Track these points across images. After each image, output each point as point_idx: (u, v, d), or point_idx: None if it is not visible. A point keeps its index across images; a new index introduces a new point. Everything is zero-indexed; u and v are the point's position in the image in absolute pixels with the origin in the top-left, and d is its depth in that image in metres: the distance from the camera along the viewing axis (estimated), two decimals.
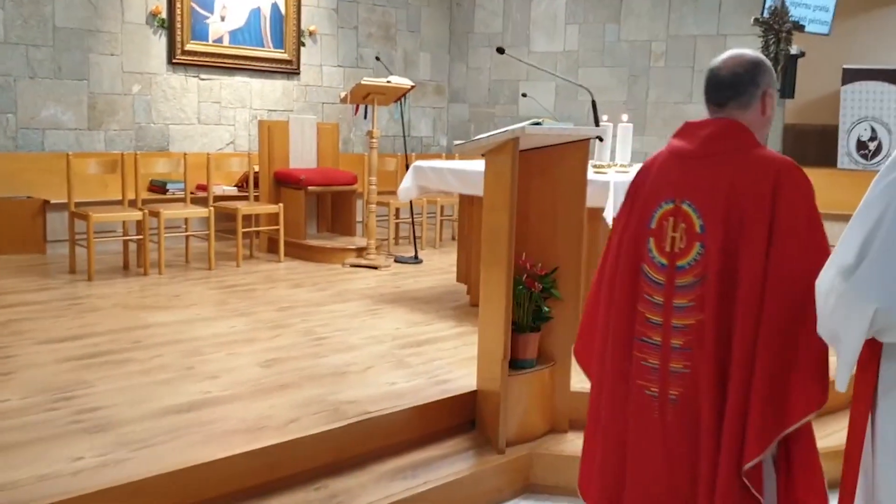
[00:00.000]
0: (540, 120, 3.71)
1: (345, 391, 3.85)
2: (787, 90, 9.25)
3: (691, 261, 2.28)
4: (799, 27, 6.47)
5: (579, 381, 4.06)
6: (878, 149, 11.71)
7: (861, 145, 11.55)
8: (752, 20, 6.34)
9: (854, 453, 1.87)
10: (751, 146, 2.31)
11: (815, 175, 7.63)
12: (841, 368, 1.79)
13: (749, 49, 2.44)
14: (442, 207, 8.29)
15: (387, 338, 4.79)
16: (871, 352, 1.79)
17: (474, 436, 3.82)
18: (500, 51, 5.08)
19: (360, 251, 7.16)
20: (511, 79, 10.12)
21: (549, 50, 9.84)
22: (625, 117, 5.16)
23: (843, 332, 1.75)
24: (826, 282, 1.77)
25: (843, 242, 1.74)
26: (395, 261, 7.23)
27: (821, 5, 9.03)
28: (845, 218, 6.62)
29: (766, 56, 6.47)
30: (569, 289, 3.89)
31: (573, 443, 3.87)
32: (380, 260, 7.05)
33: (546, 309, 3.82)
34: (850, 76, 11.61)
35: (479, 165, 5.46)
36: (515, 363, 3.78)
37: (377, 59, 8.06)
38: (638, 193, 2.47)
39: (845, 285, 1.69)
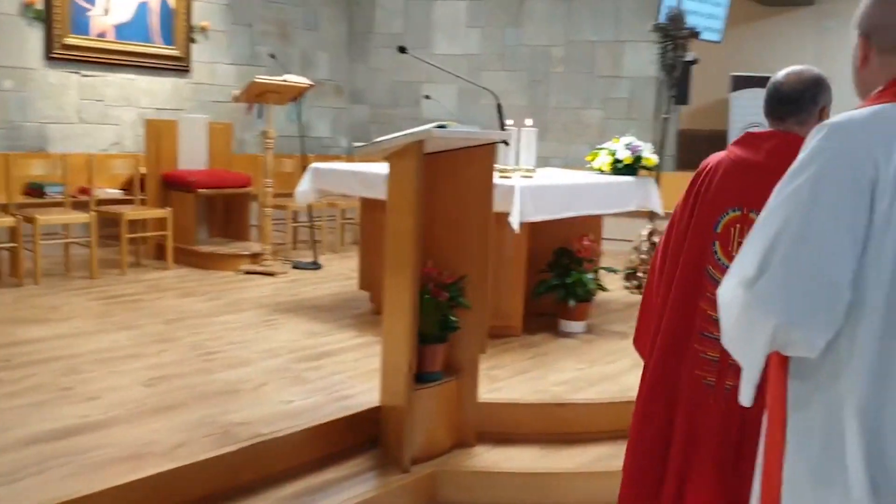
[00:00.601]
0: (445, 122, 3.54)
1: (236, 411, 3.59)
2: (682, 97, 9.40)
3: None
4: (695, 34, 6.53)
5: (486, 392, 3.92)
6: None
7: None
8: (651, 25, 6.36)
9: (773, 472, 1.74)
10: None
11: None
12: (744, 382, 1.73)
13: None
14: (343, 211, 8.04)
15: (283, 351, 4.53)
16: (781, 367, 1.71)
17: (377, 455, 3.62)
18: (402, 50, 4.90)
19: (256, 257, 6.84)
20: (413, 80, 9.95)
21: (450, 52, 9.72)
22: (529, 121, 5.05)
23: (745, 345, 1.69)
24: (728, 292, 1.69)
25: (745, 251, 1.66)
26: (293, 267, 6.94)
27: (712, 13, 9.21)
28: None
29: (664, 62, 6.51)
30: (477, 297, 3.73)
31: (481, 457, 3.72)
32: (276, 266, 6.75)
33: (453, 319, 3.65)
34: (738, 83, 11.96)
35: (381, 168, 5.26)
36: (421, 376, 3.60)
37: (272, 56, 7.75)
38: (701, 197, 2.57)
39: (746, 297, 1.62)
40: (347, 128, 10.33)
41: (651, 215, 6.53)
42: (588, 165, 5.81)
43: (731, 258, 2.48)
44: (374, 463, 3.55)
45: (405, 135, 3.38)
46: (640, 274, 6.34)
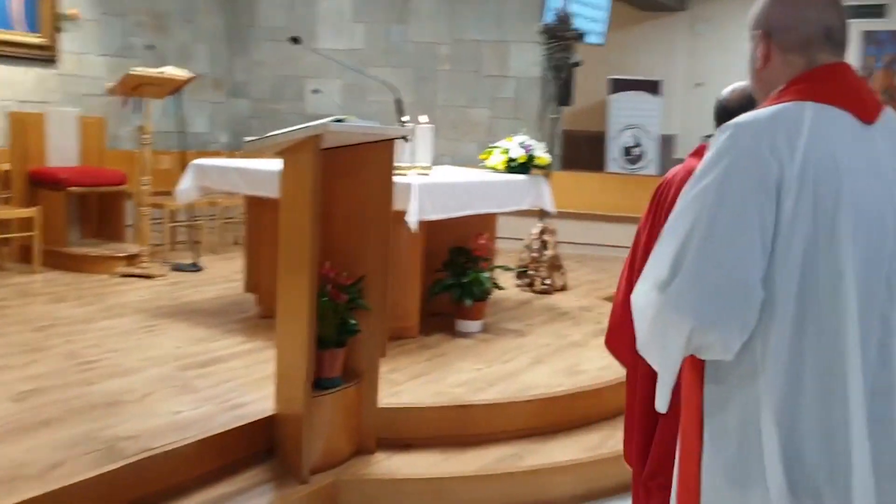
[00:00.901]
0: (342, 117, 3.39)
1: (121, 424, 3.33)
2: (565, 98, 9.54)
3: None
4: (581, 35, 6.62)
5: (386, 396, 3.80)
6: (641, 155, 12.47)
7: (626, 151, 12.22)
8: (540, 26, 6.41)
9: (690, 477, 1.72)
10: None
11: (586, 179, 7.88)
12: (660, 388, 1.71)
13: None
14: (223, 209, 7.73)
15: (168, 358, 4.27)
16: (695, 371, 1.70)
17: (274, 465, 3.44)
18: (296, 40, 4.72)
19: (132, 259, 6.47)
20: (297, 75, 9.70)
21: (335, 47, 9.51)
22: (424, 118, 4.96)
23: (660, 350, 1.67)
24: (642, 296, 1.67)
25: (657, 254, 1.65)
26: (173, 269, 6.60)
27: (595, 17, 9.39)
28: (615, 219, 6.81)
29: (551, 64, 6.56)
30: (376, 299, 3.61)
31: (382, 464, 3.61)
32: (155, 268, 6.41)
33: (353, 322, 3.52)
34: (616, 86, 12.28)
35: (268, 165, 5.05)
36: (319, 382, 3.45)
37: (150, 47, 7.35)
38: (664, 208, 2.60)
39: (660, 300, 1.60)
40: (227, 123, 9.97)
41: (541, 214, 6.57)
42: (482, 164, 5.78)
43: None
44: (270, 474, 3.38)
45: (301, 129, 3.23)
46: (531, 272, 6.37)
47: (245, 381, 3.99)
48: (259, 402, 3.69)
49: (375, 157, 3.61)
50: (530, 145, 5.58)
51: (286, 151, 3.38)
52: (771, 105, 1.65)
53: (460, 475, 3.60)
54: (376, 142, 3.60)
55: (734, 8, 12.10)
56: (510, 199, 5.36)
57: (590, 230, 8.91)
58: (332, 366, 3.51)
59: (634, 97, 12.39)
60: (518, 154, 5.49)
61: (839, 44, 1.70)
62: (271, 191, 4.82)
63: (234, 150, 8.58)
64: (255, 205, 5.23)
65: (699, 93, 12.45)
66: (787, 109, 1.62)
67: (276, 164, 4.95)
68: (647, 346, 1.70)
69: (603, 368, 4.59)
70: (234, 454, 3.40)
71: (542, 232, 6.50)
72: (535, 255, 6.41)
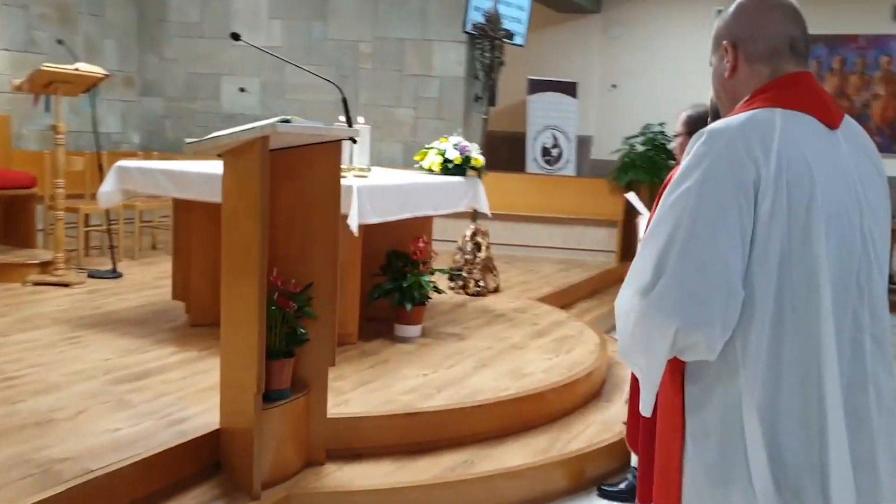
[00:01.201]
0: (289, 117, 3.26)
1: (55, 445, 3.11)
2: (490, 98, 9.55)
3: None
4: (510, 35, 6.60)
5: (333, 406, 3.68)
6: (560, 156, 12.61)
7: (545, 152, 12.35)
8: (471, 25, 6.36)
9: (672, 478, 1.75)
10: None
11: (507, 179, 7.86)
12: (644, 392, 1.73)
13: None
14: (141, 213, 7.41)
15: (97, 372, 4.03)
16: (675, 373, 1.73)
17: (222, 481, 3.29)
18: (235, 37, 4.52)
19: (46, 266, 6.12)
20: (212, 72, 9.40)
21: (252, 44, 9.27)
22: (361, 119, 4.84)
23: (645, 353, 1.69)
24: (625, 301, 1.70)
25: (639, 259, 1.68)
26: (90, 276, 6.27)
27: (517, 18, 9.41)
28: (537, 219, 6.82)
29: (482, 63, 6.53)
30: (324, 306, 3.48)
31: (333, 476, 3.49)
32: (71, 276, 6.07)
33: (303, 331, 3.39)
34: (535, 87, 12.37)
35: (197, 166, 4.85)
36: (268, 394, 3.30)
37: (60, 42, 6.97)
38: None
39: (644, 304, 1.63)
40: (139, 122, 9.58)
41: (474, 215, 6.53)
42: (417, 165, 5.69)
43: None
44: (219, 491, 3.22)
45: (248, 129, 3.08)
46: (464, 274, 6.32)
47: (183, 394, 3.80)
48: (201, 415, 3.52)
49: (321, 158, 3.48)
50: (466, 146, 5.53)
51: (230, 153, 3.23)
52: (741, 112, 1.70)
53: (414, 484, 3.51)
54: (322, 143, 3.47)
55: (646, 12, 12.37)
56: (447, 201, 5.29)
57: (514, 231, 8.93)
58: (281, 377, 3.37)
59: (552, 98, 12.52)
60: (454, 155, 5.43)
61: (802, 54, 1.76)
62: (202, 194, 4.64)
63: (150, 152, 8.22)
64: (183, 209, 5.01)
65: (614, 94, 12.68)
66: (758, 115, 1.66)
67: (207, 167, 4.80)
68: (631, 350, 1.71)
69: (546, 371, 4.58)
70: (180, 472, 3.23)
71: (475, 234, 6.47)
72: (468, 257, 6.36)
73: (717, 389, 1.65)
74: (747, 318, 1.59)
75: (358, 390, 4.04)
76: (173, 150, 8.72)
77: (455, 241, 6.58)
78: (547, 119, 12.52)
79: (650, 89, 12.10)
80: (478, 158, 5.58)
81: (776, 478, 1.58)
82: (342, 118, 4.55)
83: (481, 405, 4.00)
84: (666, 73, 12.11)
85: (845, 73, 11.71)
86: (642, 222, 3.97)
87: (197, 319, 4.98)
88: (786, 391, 1.60)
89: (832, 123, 1.71)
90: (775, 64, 1.74)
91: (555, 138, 12.44)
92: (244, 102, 9.45)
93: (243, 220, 3.17)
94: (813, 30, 1.87)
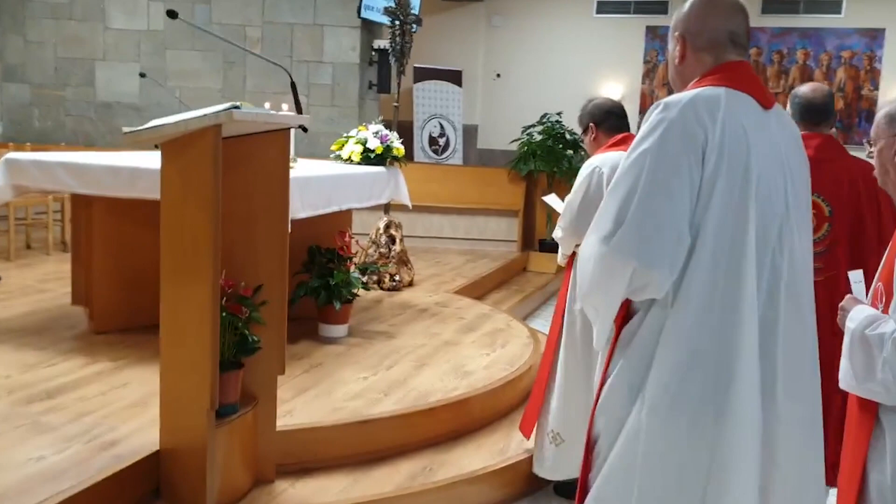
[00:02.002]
0: (238, 103, 2.94)
1: None
2: (385, 85, 9.31)
3: (823, 235, 3.20)
4: (419, 20, 6.40)
5: (279, 417, 3.39)
6: (447, 144, 12.51)
7: (432, 141, 12.22)
8: (383, 9, 6.12)
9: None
10: (847, 153, 3.29)
11: (403, 170, 7.55)
12: (600, 328, 2.04)
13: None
14: (16, 209, 6.73)
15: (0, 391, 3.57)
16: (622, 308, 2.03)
17: None
18: (172, 14, 4.09)
19: None
20: (84, 57, 8.71)
21: (129, 27, 8.64)
22: (285, 106, 4.51)
23: (603, 293, 1.98)
24: (588, 248, 1.98)
25: (602, 212, 1.95)
26: None
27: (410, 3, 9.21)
28: (436, 210, 6.62)
29: (393, 48, 6.29)
30: (274, 310, 3.19)
31: (286, 494, 3.22)
32: None
33: (255, 339, 3.08)
34: (420, 75, 12.20)
35: (99, 159, 4.39)
36: (217, 409, 2.98)
37: None
38: None
39: (605, 248, 1.90)
40: (3, 110, 8.75)
41: (386, 207, 6.30)
42: (334, 155, 5.39)
43: None
44: None
45: (200, 117, 2.75)
46: (380, 268, 6.08)
47: (108, 412, 3.41)
48: (134, 435, 3.17)
49: (268, 148, 3.17)
50: (386, 135, 5.29)
51: (173, 143, 2.88)
52: (691, 90, 1.99)
53: (376, 498, 3.27)
54: (269, 132, 3.17)
55: (528, 3, 12.43)
56: (372, 192, 5.04)
57: (415, 222, 8.71)
58: (230, 390, 3.06)
59: (438, 87, 12.39)
60: (375, 145, 5.18)
61: (742, 46, 2.07)
62: (110, 188, 4.20)
63: (20, 144, 7.50)
64: (83, 205, 4.54)
65: (499, 83, 12.69)
66: (705, 90, 1.97)
67: (112, 159, 4.36)
68: (591, 291, 2.01)
69: (487, 367, 4.43)
70: (121, 500, 2.86)
71: (389, 226, 6.23)
72: (382, 250, 6.13)
73: (645, 319, 1.96)
74: (689, 261, 1.89)
75: (299, 399, 3.76)
76: (43, 141, 8.03)
77: (367, 234, 6.32)
78: (433, 107, 12.39)
79: (535, 79, 12.17)
80: (399, 148, 5.35)
81: (673, 397, 1.89)
82: (283, 105, 4.21)
83: (434, 408, 3.80)
84: (550, 63, 12.22)
85: None
86: (553, 202, 3.93)
87: (101, 326, 4.52)
88: (713, 322, 1.88)
89: (767, 104, 2.03)
90: (717, 54, 2.04)
91: (441, 127, 12.33)
92: (122, 90, 8.81)
93: (191, 217, 2.84)
94: None
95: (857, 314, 2.11)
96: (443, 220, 8.66)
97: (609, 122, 3.55)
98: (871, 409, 2.06)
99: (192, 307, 2.85)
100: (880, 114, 2.27)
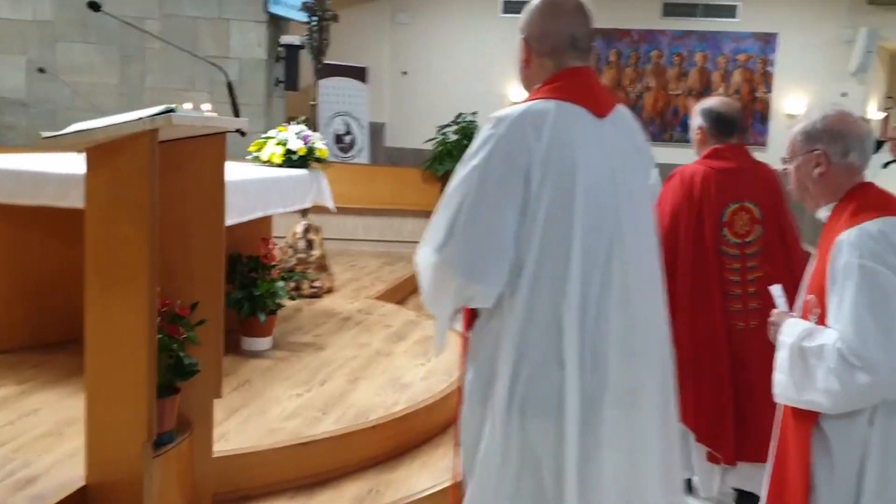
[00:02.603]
0: (173, 106, 2.68)
1: None
2: (292, 82, 9.01)
3: (756, 237, 3.56)
4: (336, 17, 6.17)
5: (216, 443, 3.15)
6: (353, 143, 12.25)
7: (338, 139, 11.94)
8: (300, 4, 5.87)
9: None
10: (755, 159, 3.73)
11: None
12: (437, 332, 2.16)
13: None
14: None
15: None
16: (466, 317, 2.18)
17: None
18: (94, 7, 3.73)
19: None
20: None
21: (14, 17, 8.05)
22: (207, 106, 4.21)
23: (437, 302, 2.10)
24: (423, 257, 2.07)
25: (435, 225, 2.04)
26: None
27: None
28: (349, 211, 6.38)
29: (311, 45, 6.05)
30: (209, 328, 2.93)
31: None
32: None
33: (193, 361, 2.82)
34: (325, 72, 11.90)
35: (10, 163, 4.00)
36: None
37: None
38: (698, 202, 3.56)
39: (438, 259, 2.01)
40: None
41: (304, 211, 6.04)
42: (252, 157, 5.11)
43: (738, 236, 3.56)
44: None
45: (134, 121, 2.48)
46: (306, 277, 5.82)
47: (19, 445, 3.08)
48: (54, 470, 2.88)
49: (204, 154, 2.93)
50: (308, 136, 5.05)
51: (101, 148, 2.59)
52: (525, 102, 2.07)
53: None
54: (204, 136, 2.92)
55: (433, 1, 12.32)
56: (296, 196, 4.80)
57: (326, 224, 8.45)
58: (168, 417, 2.80)
59: (343, 84, 12.11)
60: (297, 146, 4.93)
61: (584, 50, 2.11)
62: (12, 196, 3.84)
63: None
64: None
65: (406, 81, 12.53)
66: (535, 105, 2.03)
67: (7, 162, 3.98)
68: (428, 297, 2.11)
69: (425, 379, 4.28)
70: None
71: (307, 230, 5.99)
72: (301, 255, 5.88)
73: (485, 328, 2.09)
74: (515, 274, 1.98)
75: (231, 421, 3.51)
76: None
77: (283, 238, 6.04)
78: (338, 105, 12.10)
79: (444, 77, 12.08)
80: (322, 149, 5.12)
81: (512, 398, 2.00)
82: (203, 106, 3.92)
83: (376, 425, 3.61)
84: (459, 61, 12.15)
85: (621, 66, 12.36)
86: None
87: (1, 345, 4.13)
88: (537, 333, 1.99)
89: (600, 113, 2.08)
90: (558, 59, 2.09)
91: (347, 125, 12.06)
92: (6, 85, 8.20)
93: (123, 228, 2.57)
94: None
95: (791, 328, 2.20)
96: (356, 222, 8.43)
97: None
98: (808, 420, 2.13)
99: (124, 330, 2.59)
100: (796, 130, 2.31)
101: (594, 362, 2.00)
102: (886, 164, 6.14)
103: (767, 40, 11.85)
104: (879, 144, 6.95)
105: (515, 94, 12.45)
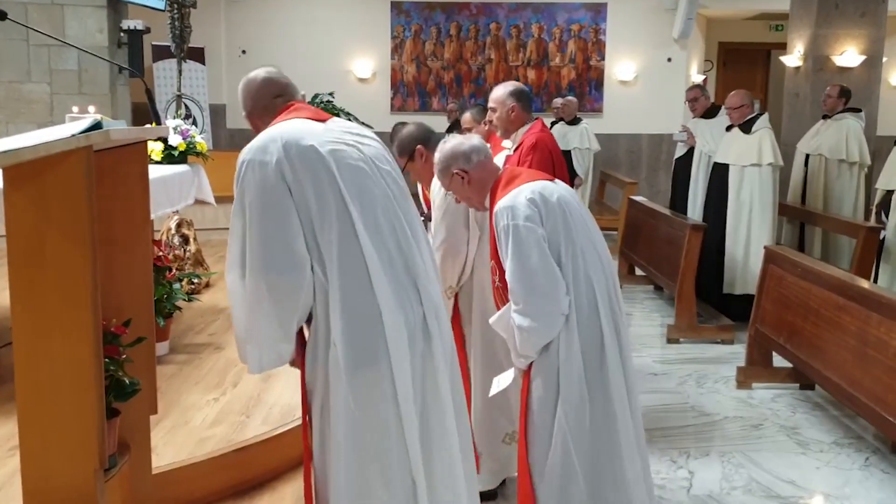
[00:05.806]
0: (98, 117, 2.54)
1: None
2: (139, 68, 8.57)
3: None
4: (195, 3, 5.93)
5: (158, 459, 3.07)
6: (194, 126, 11.80)
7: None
8: None
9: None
10: None
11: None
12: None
13: None
14: None
15: None
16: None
17: None
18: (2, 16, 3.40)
19: None
20: None
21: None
22: (92, 108, 3.97)
23: (248, 319, 2.46)
24: (232, 284, 2.44)
25: (231, 249, 2.43)
26: None
27: None
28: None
29: (174, 34, 5.79)
30: (143, 346, 2.83)
31: None
32: None
33: (134, 381, 2.72)
34: (159, 54, 11.37)
35: None
36: None
37: None
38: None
39: (242, 286, 2.39)
40: None
41: None
42: None
43: None
44: None
45: (68, 139, 2.34)
46: (201, 276, 5.63)
47: None
48: None
49: (127, 163, 2.80)
50: (187, 130, 4.87)
51: (19, 168, 2.42)
52: (265, 130, 2.53)
53: None
54: (126, 145, 2.79)
55: None
56: (180, 194, 4.63)
57: (187, 213, 8.15)
58: (111, 441, 2.70)
59: (174, 65, 11.62)
60: (177, 141, 4.74)
61: (286, 95, 2.72)
62: None
63: None
64: None
65: (246, 61, 12.17)
66: (270, 131, 2.47)
67: None
68: (238, 320, 2.51)
69: None
70: None
71: (181, 225, 5.78)
72: (177, 252, 5.67)
73: (319, 317, 2.42)
74: (319, 283, 2.36)
75: (156, 434, 3.39)
76: None
77: (158, 232, 5.81)
78: (172, 87, 11.62)
79: (285, 56, 11.79)
80: (202, 143, 4.95)
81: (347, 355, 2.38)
82: (90, 108, 3.70)
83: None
84: (298, 40, 11.94)
85: (462, 39, 12.56)
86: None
87: None
88: (354, 301, 2.35)
89: (321, 119, 2.55)
90: (272, 110, 2.67)
91: (187, 108, 11.61)
92: None
93: (55, 250, 2.42)
94: None
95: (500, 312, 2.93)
96: (217, 211, 8.15)
97: (434, 138, 3.50)
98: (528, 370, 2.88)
99: (65, 358, 2.44)
100: (437, 159, 3.04)
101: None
102: (729, 128, 6.63)
103: (598, 10, 12.40)
104: (717, 108, 7.50)
105: (360, 70, 12.39)
